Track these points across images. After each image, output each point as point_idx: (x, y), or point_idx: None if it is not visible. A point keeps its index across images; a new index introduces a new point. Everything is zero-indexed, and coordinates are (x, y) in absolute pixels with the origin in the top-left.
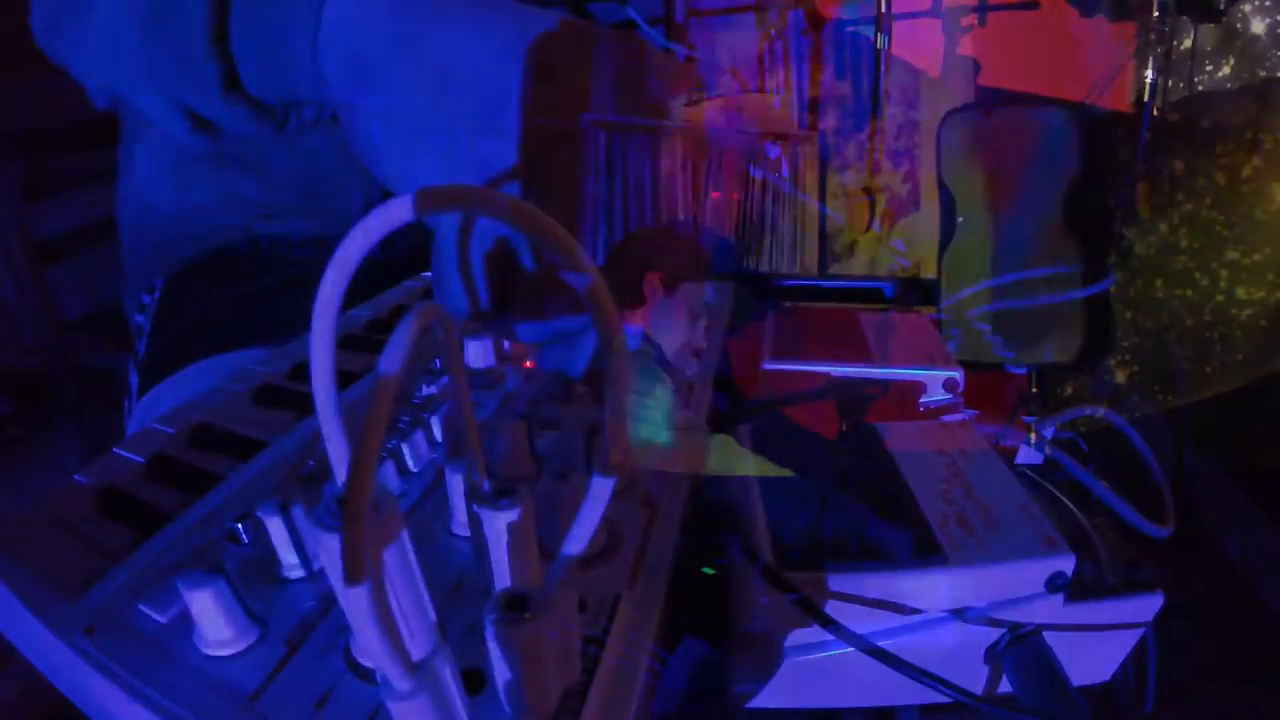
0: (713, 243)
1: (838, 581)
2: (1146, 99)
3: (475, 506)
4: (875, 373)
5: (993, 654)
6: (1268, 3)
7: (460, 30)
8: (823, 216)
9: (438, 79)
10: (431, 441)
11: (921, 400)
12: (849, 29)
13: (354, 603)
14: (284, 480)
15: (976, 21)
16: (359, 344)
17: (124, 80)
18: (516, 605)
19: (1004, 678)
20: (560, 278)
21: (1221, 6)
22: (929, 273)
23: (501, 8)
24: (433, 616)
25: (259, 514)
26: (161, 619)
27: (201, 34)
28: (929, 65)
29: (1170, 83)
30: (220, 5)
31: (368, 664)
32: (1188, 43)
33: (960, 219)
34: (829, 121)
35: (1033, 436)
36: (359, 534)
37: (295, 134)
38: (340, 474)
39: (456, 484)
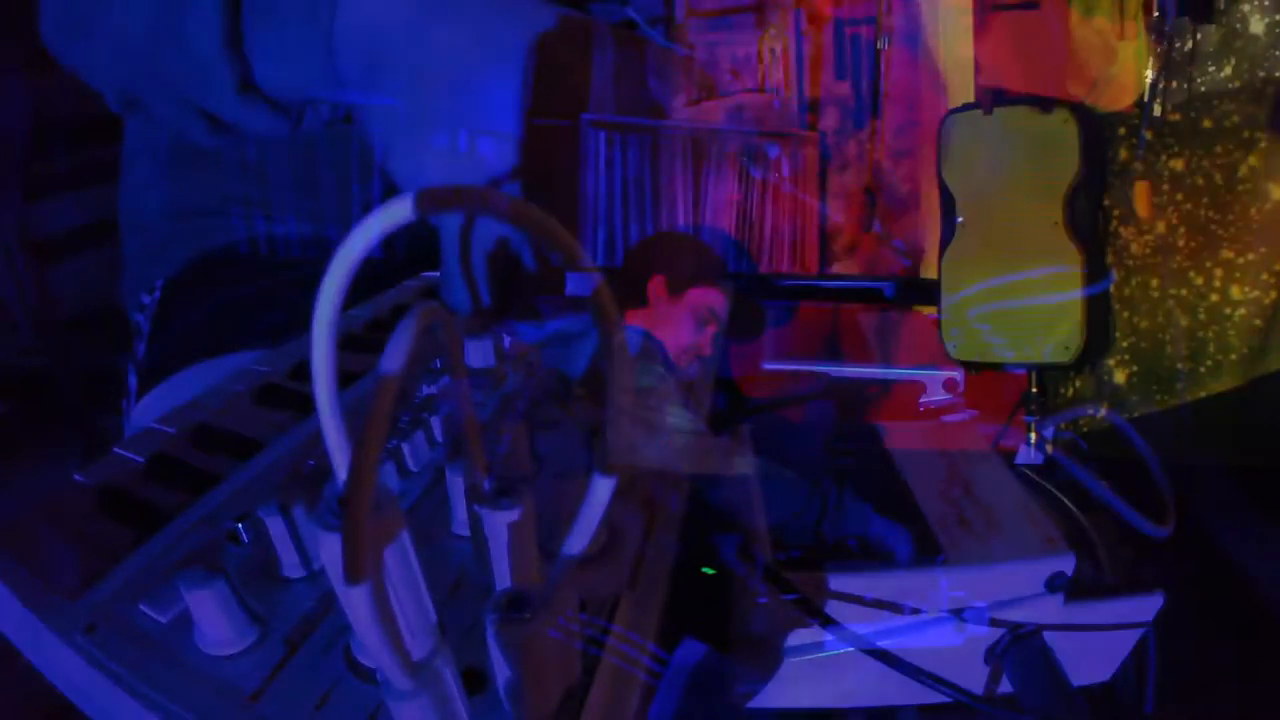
0: (713, 243)
1: (838, 581)
2: (1146, 99)
3: (475, 506)
4: (875, 373)
5: (993, 654)
6: (1268, 3)
7: (464, 29)
8: (823, 216)
9: (441, 78)
10: (431, 441)
11: (921, 400)
12: (849, 29)
13: (354, 603)
14: (284, 480)
15: (976, 21)
16: (359, 344)
17: (137, 85)
18: (516, 605)
19: (1004, 678)
20: (561, 277)
21: (1221, 7)
22: (929, 273)
23: (504, 7)
24: (433, 616)
25: (259, 514)
26: (161, 619)
27: (214, 36)
28: (929, 65)
29: (1171, 83)
30: (231, 6)
31: (368, 664)
32: (1189, 43)
33: (960, 219)
34: (829, 121)
35: (1033, 436)
36: (359, 534)
37: (311, 131)
38: (341, 474)
39: (456, 484)
